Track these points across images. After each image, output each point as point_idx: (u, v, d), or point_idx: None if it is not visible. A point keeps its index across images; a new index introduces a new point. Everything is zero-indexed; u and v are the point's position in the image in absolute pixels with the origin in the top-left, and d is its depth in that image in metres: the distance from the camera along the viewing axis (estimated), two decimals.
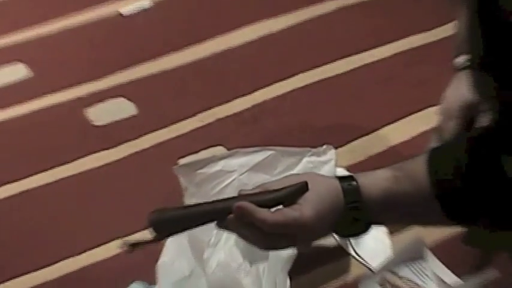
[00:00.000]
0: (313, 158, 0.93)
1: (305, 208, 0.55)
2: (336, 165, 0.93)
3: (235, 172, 0.91)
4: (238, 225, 0.55)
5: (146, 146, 1.11)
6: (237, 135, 1.10)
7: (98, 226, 0.97)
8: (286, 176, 0.59)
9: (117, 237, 0.91)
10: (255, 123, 1.14)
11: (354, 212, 0.57)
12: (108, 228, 0.96)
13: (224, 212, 0.55)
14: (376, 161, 1.03)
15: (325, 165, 0.93)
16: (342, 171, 0.98)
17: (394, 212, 0.58)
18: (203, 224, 0.57)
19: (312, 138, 1.04)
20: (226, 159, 0.91)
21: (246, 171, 0.91)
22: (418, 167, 0.58)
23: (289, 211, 0.55)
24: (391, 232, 0.91)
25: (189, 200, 0.90)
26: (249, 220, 0.54)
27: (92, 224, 0.97)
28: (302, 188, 0.56)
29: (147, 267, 0.86)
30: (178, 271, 0.86)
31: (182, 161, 1.05)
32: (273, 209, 0.56)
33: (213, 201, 0.57)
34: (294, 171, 0.91)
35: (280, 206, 0.57)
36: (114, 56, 1.29)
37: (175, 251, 0.88)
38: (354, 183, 0.57)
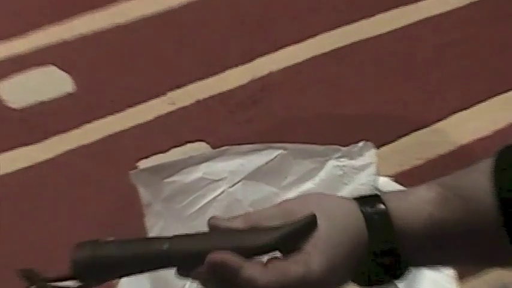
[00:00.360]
0: (344, 162, 0.95)
1: (314, 259, 0.55)
2: (378, 173, 0.94)
3: (224, 181, 0.93)
4: (211, 280, 0.56)
5: (90, 139, 1.13)
6: (226, 125, 1.12)
7: (16, 256, 0.98)
8: (284, 201, 0.60)
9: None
10: (254, 108, 1.15)
11: (384, 256, 0.58)
12: (28, 258, 0.96)
13: (190, 257, 0.56)
14: (438, 166, 1.03)
15: (361, 172, 0.95)
16: (386, 183, 0.98)
17: (441, 249, 0.60)
18: (154, 269, 0.57)
19: (340, 132, 1.08)
20: (210, 161, 0.93)
21: (240, 181, 0.93)
22: (478, 181, 0.59)
23: (291, 265, 0.55)
24: (461, 277, 0.92)
25: (153, 222, 0.91)
26: (230, 278, 0.54)
27: (8, 254, 0.98)
28: (309, 226, 0.56)
29: None
30: None
31: (143, 164, 1.06)
32: (265, 257, 0.56)
33: (172, 237, 0.57)
34: (315, 182, 0.93)
35: (277, 253, 0.57)
36: (41, 3, 1.29)
37: None
38: (381, 207, 0.58)
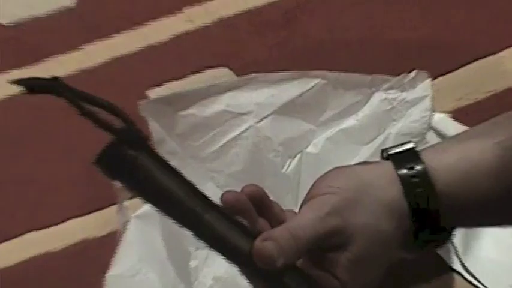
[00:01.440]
0: (393, 94, 0.92)
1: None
2: (433, 109, 0.92)
3: (251, 115, 0.90)
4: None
5: (91, 63, 1.07)
6: (254, 48, 1.06)
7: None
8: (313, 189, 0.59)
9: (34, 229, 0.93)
10: (287, 28, 1.08)
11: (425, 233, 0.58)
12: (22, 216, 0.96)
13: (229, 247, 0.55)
14: (504, 101, 0.98)
15: (414, 107, 0.92)
16: (443, 120, 0.95)
17: (495, 219, 0.60)
18: (180, 222, 0.55)
19: (389, 59, 1.01)
20: (234, 91, 0.91)
21: (269, 115, 0.90)
22: None
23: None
24: None
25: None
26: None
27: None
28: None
29: (88, 280, 0.87)
30: None
31: (155, 93, 1.02)
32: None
33: (216, 208, 0.55)
34: (359, 118, 0.92)
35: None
36: None
37: (136, 256, 0.86)
38: (419, 168, 0.57)
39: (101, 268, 0.86)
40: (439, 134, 0.90)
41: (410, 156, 0.57)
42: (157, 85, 1.03)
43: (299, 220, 0.55)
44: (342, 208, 0.55)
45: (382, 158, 0.60)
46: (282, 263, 0.52)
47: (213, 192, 0.56)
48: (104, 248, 0.88)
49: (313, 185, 0.58)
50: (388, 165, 0.57)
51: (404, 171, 0.56)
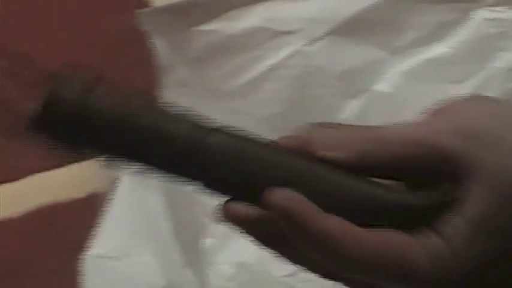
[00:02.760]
0: (500, 12, 0.80)
1: (455, 253, 0.46)
2: None
3: (298, 35, 0.79)
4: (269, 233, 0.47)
5: None
6: None
7: None
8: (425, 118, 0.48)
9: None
10: None
11: None
12: None
13: (242, 178, 0.45)
14: None
15: None
16: None
17: None
18: (165, 168, 0.45)
19: None
20: (273, 0, 0.81)
21: (323, 36, 0.78)
22: None
23: (413, 249, 0.46)
24: None
25: (173, 97, 0.80)
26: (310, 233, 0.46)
27: None
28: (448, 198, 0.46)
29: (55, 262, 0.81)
30: (136, 279, 0.77)
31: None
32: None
33: (219, 129, 0.45)
34: (451, 45, 0.79)
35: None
36: None
37: (126, 229, 0.78)
38: None
39: (75, 245, 0.77)
40: None
41: None
42: None
43: (392, 127, 0.45)
44: (476, 134, 0.45)
45: None
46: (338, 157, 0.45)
47: None
48: (80, 216, 0.81)
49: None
50: None
51: None
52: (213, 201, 0.71)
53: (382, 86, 0.78)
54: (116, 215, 0.78)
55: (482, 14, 0.78)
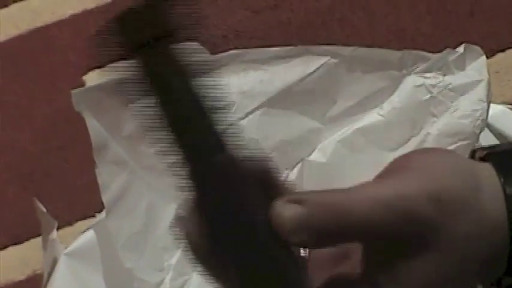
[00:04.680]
0: (433, 78, 0.81)
1: None
2: (490, 98, 0.81)
3: (231, 109, 0.82)
4: None
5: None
6: (236, 15, 1.00)
7: None
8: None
9: None
10: None
11: None
12: None
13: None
14: None
15: (462, 97, 0.81)
16: (503, 114, 0.86)
17: None
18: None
19: (426, 29, 0.95)
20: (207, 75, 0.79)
21: (257, 108, 0.80)
22: None
23: None
24: None
25: (108, 175, 0.81)
26: None
27: None
28: None
29: None
30: None
31: (93, 79, 0.96)
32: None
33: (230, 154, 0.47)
34: (385, 112, 0.81)
35: None
36: None
37: None
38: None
39: None
40: (498, 134, 0.82)
41: None
42: (97, 67, 0.95)
43: (357, 189, 0.47)
44: (445, 199, 0.47)
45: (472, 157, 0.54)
46: (301, 240, 0.45)
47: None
48: None
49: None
50: (490, 170, 0.50)
51: None
52: (153, 280, 0.71)
53: (317, 155, 0.79)
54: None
55: (412, 81, 0.80)
